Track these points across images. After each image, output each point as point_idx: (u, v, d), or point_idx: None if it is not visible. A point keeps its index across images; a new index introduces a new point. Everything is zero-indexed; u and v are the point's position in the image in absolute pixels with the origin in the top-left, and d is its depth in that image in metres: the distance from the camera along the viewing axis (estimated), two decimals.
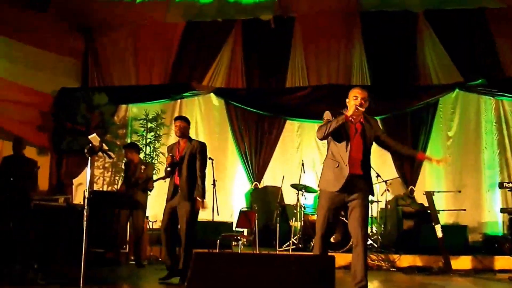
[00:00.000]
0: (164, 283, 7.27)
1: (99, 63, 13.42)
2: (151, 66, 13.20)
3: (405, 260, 9.49)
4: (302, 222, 10.18)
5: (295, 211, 10.38)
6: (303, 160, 10.95)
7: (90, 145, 5.68)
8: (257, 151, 12.17)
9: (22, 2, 11.32)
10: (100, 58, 13.42)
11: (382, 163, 11.20)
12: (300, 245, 10.01)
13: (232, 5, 12.65)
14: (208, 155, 8.60)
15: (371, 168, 5.88)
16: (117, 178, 12.32)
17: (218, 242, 8.92)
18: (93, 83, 13.35)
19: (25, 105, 11.55)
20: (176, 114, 11.66)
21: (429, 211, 9.63)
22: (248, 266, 4.48)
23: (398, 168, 11.58)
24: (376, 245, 10.12)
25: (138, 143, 11.27)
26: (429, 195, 9.49)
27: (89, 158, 5.68)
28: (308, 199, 10.66)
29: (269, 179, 12.18)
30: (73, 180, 12.21)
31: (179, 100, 12.69)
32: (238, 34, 12.92)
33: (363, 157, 5.52)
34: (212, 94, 12.57)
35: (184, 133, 7.51)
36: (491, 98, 11.69)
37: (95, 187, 12.10)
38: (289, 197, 11.07)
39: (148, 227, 10.41)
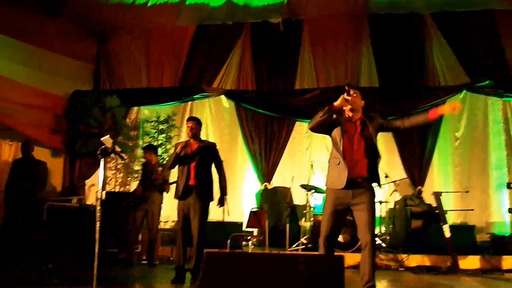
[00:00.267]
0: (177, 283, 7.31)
1: (111, 66, 13.57)
2: (162, 69, 13.31)
3: (413, 260, 9.48)
4: (312, 222, 10.16)
5: (304, 211, 10.40)
6: (312, 161, 11.03)
7: (103, 147, 5.72)
8: (267, 152, 12.25)
9: (36, 8, 11.47)
10: (112, 61, 13.57)
11: (390, 164, 11.33)
12: (309, 245, 10.02)
13: (241, 9, 12.72)
14: None
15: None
16: (129, 179, 12.43)
17: (228, 242, 8.97)
18: (105, 86, 13.48)
19: (39, 108, 11.68)
20: (187, 116, 11.62)
21: (437, 211, 9.60)
22: (258, 265, 4.50)
23: (406, 169, 11.65)
24: (384, 245, 10.15)
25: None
26: (437, 195, 9.51)
27: (102, 159, 5.70)
28: (317, 200, 10.58)
29: (278, 180, 12.24)
30: (86, 181, 12.38)
31: (189, 102, 12.81)
32: (248, 37, 13.04)
33: (366, 158, 5.51)
34: (222, 96, 12.70)
35: (196, 133, 7.55)
36: (499, 99, 11.70)
37: (108, 188, 12.16)
38: (299, 197, 11.11)
39: (159, 227, 10.51)
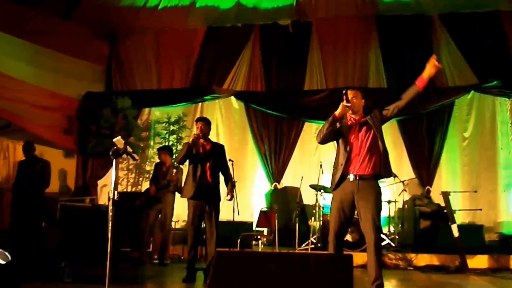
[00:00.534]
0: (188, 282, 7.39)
1: (122, 68, 13.66)
2: (173, 70, 13.38)
3: (422, 259, 9.51)
4: (321, 222, 10.22)
5: (314, 211, 10.44)
6: (321, 161, 10.98)
7: (115, 147, 5.68)
8: (277, 152, 12.30)
9: (49, 10, 11.60)
10: (124, 63, 13.66)
11: (399, 164, 11.34)
12: (319, 245, 10.06)
13: (251, 11, 12.78)
14: (229, 157, 8.82)
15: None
16: (141, 179, 12.52)
17: (238, 242, 9.06)
18: (117, 87, 13.57)
19: (51, 109, 11.78)
20: (197, 117, 11.79)
21: (445, 211, 9.58)
22: (268, 265, 4.53)
23: (415, 169, 11.66)
24: (393, 245, 10.16)
25: (160, 146, 11.53)
26: (446, 195, 9.50)
27: (114, 160, 5.68)
28: (326, 199, 10.57)
29: (288, 180, 12.26)
30: (98, 182, 12.47)
31: (200, 103, 12.86)
32: (257, 38, 13.08)
33: (372, 156, 5.56)
34: (232, 97, 12.76)
35: (206, 134, 7.60)
36: (506, 99, 11.68)
37: (120, 188, 12.24)
38: (308, 197, 11.09)
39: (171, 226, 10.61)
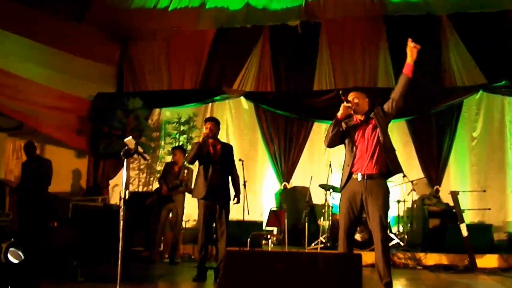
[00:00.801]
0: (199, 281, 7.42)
1: (133, 69, 13.75)
2: (183, 71, 13.45)
3: (431, 259, 9.53)
4: (330, 221, 10.24)
5: (323, 210, 10.49)
6: (330, 161, 11.06)
7: (126, 147, 5.70)
8: (286, 152, 12.31)
9: (61, 13, 11.70)
10: (135, 64, 13.75)
11: (408, 164, 11.28)
12: (328, 244, 10.11)
13: (260, 12, 12.89)
14: (239, 157, 8.87)
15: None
16: (152, 179, 12.56)
17: (248, 241, 9.15)
18: (128, 88, 13.67)
19: (63, 110, 11.86)
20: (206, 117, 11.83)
21: (454, 210, 9.58)
22: (278, 264, 4.52)
23: (424, 169, 11.65)
24: (402, 244, 10.20)
25: (171, 146, 11.62)
26: (454, 194, 9.49)
27: (125, 160, 5.71)
28: (335, 199, 10.59)
29: (297, 180, 12.29)
30: (110, 182, 12.54)
31: (210, 104, 12.90)
32: (266, 39, 13.14)
33: (379, 155, 5.56)
34: (242, 98, 12.77)
35: (215, 134, 7.62)
36: None
37: (131, 188, 12.35)
38: (317, 197, 11.15)
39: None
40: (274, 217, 9.85)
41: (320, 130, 12.19)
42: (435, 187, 11.52)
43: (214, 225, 7.65)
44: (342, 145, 5.89)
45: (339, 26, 12.90)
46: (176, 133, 12.48)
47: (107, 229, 9.14)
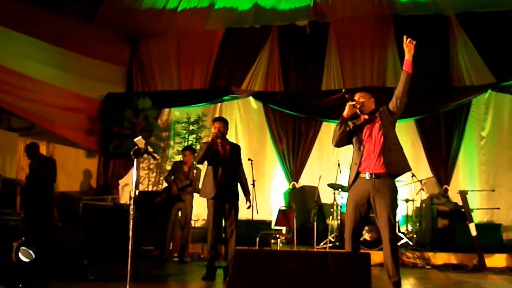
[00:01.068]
0: (208, 280, 7.40)
1: (143, 69, 13.83)
2: (192, 71, 13.53)
3: (440, 258, 9.49)
4: (339, 220, 10.25)
5: (331, 210, 10.48)
6: (339, 160, 11.02)
7: (136, 147, 5.75)
8: (295, 152, 12.34)
9: (72, 14, 11.78)
10: (144, 65, 13.83)
11: (417, 163, 11.32)
12: (337, 243, 10.11)
13: (269, 12, 12.96)
14: (248, 156, 8.86)
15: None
16: (161, 178, 12.54)
17: (257, 240, 9.11)
18: (138, 88, 13.75)
19: (74, 110, 11.96)
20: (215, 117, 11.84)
21: (463, 210, 9.56)
22: (286, 263, 4.61)
23: (432, 168, 11.66)
24: (411, 243, 10.20)
25: (180, 145, 11.66)
26: (463, 194, 9.45)
27: (135, 160, 5.75)
28: (344, 198, 10.50)
29: (306, 179, 12.30)
30: (120, 181, 12.60)
31: (219, 104, 12.94)
32: (275, 39, 13.20)
33: (385, 154, 5.56)
34: (250, 98, 12.83)
35: (224, 134, 7.59)
36: None
37: (141, 188, 12.42)
38: (326, 196, 11.14)
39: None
40: (283, 216, 9.81)
41: (329, 129, 12.19)
42: (444, 187, 11.53)
43: (223, 224, 7.67)
44: (351, 145, 5.92)
45: (347, 26, 12.93)
46: (185, 133, 12.54)
47: (117, 228, 9.19)
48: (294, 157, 12.36)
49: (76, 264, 7.14)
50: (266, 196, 12.29)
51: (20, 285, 5.97)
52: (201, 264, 8.52)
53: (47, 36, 11.29)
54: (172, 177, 9.97)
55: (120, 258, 7.29)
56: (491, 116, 11.82)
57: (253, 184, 10.17)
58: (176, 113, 13.24)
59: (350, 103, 5.67)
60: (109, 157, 12.55)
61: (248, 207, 7.95)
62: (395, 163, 5.61)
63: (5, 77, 10.32)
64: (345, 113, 5.70)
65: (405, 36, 5.71)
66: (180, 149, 11.11)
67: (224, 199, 7.42)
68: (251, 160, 9.40)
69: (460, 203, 9.90)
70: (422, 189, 10.88)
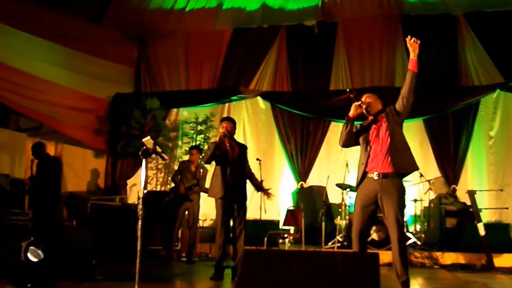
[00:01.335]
0: (216, 280, 7.40)
1: (151, 69, 13.84)
2: (201, 72, 13.54)
3: (448, 258, 9.51)
4: (347, 220, 10.27)
5: (340, 209, 10.50)
6: (347, 160, 11.01)
7: (144, 147, 5.71)
8: (303, 152, 12.34)
9: (80, 14, 11.83)
10: (152, 65, 13.84)
11: (425, 163, 11.32)
12: (345, 243, 10.11)
13: (277, 12, 12.98)
14: (256, 156, 8.85)
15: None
16: (169, 179, 12.55)
17: (265, 240, 9.18)
18: (146, 88, 13.77)
19: (82, 110, 11.99)
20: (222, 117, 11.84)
21: (471, 209, 9.57)
22: (295, 263, 4.56)
23: (441, 168, 11.65)
24: (419, 243, 10.20)
25: (188, 146, 11.67)
26: (472, 193, 9.46)
27: (143, 160, 5.71)
28: (352, 198, 10.52)
29: (314, 179, 12.31)
30: (128, 181, 12.62)
31: (227, 104, 12.96)
32: (283, 39, 13.18)
33: (392, 153, 5.55)
34: (258, 98, 12.84)
35: (231, 133, 7.60)
36: None
37: (149, 188, 12.42)
38: (334, 196, 11.08)
39: (198, 225, 10.71)
40: (291, 216, 9.87)
41: (337, 129, 12.10)
42: (452, 186, 11.49)
43: (231, 224, 7.68)
44: (357, 146, 5.93)
45: (355, 25, 12.93)
46: (193, 133, 12.54)
47: (125, 228, 9.24)
48: (302, 157, 12.37)
49: (84, 264, 7.12)
50: (274, 196, 12.08)
51: (29, 285, 5.98)
52: (209, 264, 8.54)
53: (55, 37, 11.34)
54: (179, 176, 10.00)
55: (128, 258, 7.31)
56: (500, 116, 11.79)
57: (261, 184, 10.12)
58: (184, 113, 13.26)
59: (356, 103, 5.73)
60: (117, 157, 12.55)
61: (268, 189, 7.97)
62: (402, 163, 5.61)
63: (13, 78, 10.36)
64: (351, 113, 5.76)
65: (409, 36, 5.69)
66: (188, 149, 11.11)
67: (232, 199, 7.43)
68: (259, 160, 9.42)
69: (469, 203, 9.89)
70: (430, 189, 10.89)
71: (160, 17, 13.17)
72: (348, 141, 5.88)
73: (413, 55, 5.69)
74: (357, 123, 5.93)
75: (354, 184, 10.56)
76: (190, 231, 9.89)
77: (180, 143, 13.00)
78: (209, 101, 12.86)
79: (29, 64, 10.85)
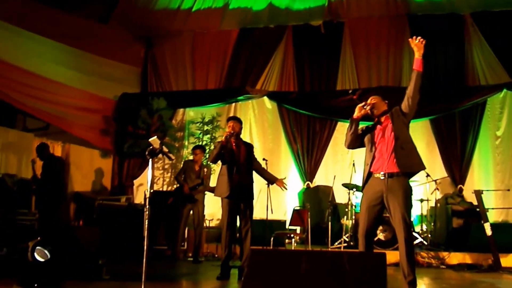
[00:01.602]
0: (222, 280, 7.39)
1: (158, 70, 13.89)
2: (207, 71, 13.58)
3: (455, 258, 9.48)
4: (353, 220, 10.25)
5: (346, 209, 10.48)
6: (354, 160, 11.01)
7: (151, 147, 5.72)
8: (309, 151, 12.36)
9: (87, 15, 11.87)
10: (159, 65, 13.89)
11: (431, 163, 11.32)
12: (351, 243, 10.11)
13: (283, 12, 12.99)
14: (262, 156, 8.85)
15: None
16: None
17: (272, 240, 9.17)
18: (152, 88, 13.82)
19: (89, 111, 12.06)
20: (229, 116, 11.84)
21: (478, 209, 9.52)
22: (301, 263, 4.55)
23: (447, 168, 11.65)
24: (426, 243, 10.20)
25: (194, 145, 11.69)
26: (478, 193, 9.41)
27: (150, 160, 5.72)
28: (359, 198, 10.48)
29: (321, 179, 12.33)
30: (134, 181, 12.65)
31: (233, 104, 12.99)
32: (290, 39, 13.22)
33: (397, 153, 5.52)
34: (265, 98, 12.86)
35: (238, 133, 7.58)
36: None
37: (155, 187, 12.43)
38: (341, 196, 11.10)
39: (204, 225, 10.74)
40: (297, 216, 9.86)
41: (344, 129, 11.98)
42: (459, 186, 11.50)
43: (237, 224, 7.69)
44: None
45: (362, 25, 12.95)
46: (200, 133, 12.55)
47: (132, 228, 9.27)
48: (309, 157, 12.39)
49: (91, 264, 7.15)
50: (281, 196, 12.18)
51: (36, 285, 6.00)
52: (216, 263, 8.57)
53: (62, 37, 11.39)
54: (183, 176, 10.01)
55: (134, 258, 7.32)
56: (506, 116, 11.77)
57: (268, 184, 10.12)
58: (191, 113, 13.29)
59: (360, 105, 5.74)
60: (124, 157, 12.59)
61: (283, 179, 8.01)
62: (408, 162, 5.60)
63: (21, 78, 10.42)
64: (355, 115, 5.77)
65: (413, 37, 5.72)
66: (192, 148, 11.12)
67: (239, 198, 7.43)
68: (266, 160, 9.42)
69: (475, 203, 9.85)
70: (437, 189, 10.87)
71: (166, 17, 13.19)
72: (353, 143, 5.90)
73: (417, 54, 5.70)
74: (363, 124, 5.92)
75: (360, 184, 10.56)
76: (195, 230, 9.89)
77: (186, 143, 13.01)
78: (216, 101, 12.89)
79: (36, 64, 10.91)
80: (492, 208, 10.52)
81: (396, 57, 12.62)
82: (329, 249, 9.78)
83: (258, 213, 9.21)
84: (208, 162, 9.69)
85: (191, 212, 9.93)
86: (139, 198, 12.31)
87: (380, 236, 9.58)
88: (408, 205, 5.57)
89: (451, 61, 12.23)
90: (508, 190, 10.94)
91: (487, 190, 10.41)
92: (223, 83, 13.42)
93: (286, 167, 12.65)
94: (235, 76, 13.38)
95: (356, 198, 10.65)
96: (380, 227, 9.45)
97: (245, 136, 7.94)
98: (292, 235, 9.28)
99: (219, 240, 9.33)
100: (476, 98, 11.57)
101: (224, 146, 7.40)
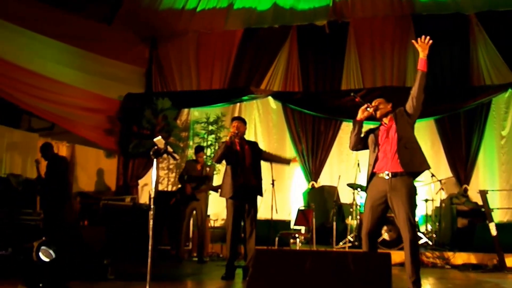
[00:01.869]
0: (227, 280, 7.36)
1: (162, 70, 13.93)
2: (211, 72, 13.60)
3: (460, 258, 9.46)
4: (358, 220, 10.24)
5: (351, 209, 10.48)
6: (358, 160, 10.99)
7: (156, 147, 5.70)
8: (314, 151, 12.37)
9: (92, 15, 11.89)
10: (163, 65, 13.93)
11: (436, 163, 11.33)
12: (356, 243, 10.09)
13: (288, 12, 13.01)
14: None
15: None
16: None
17: (276, 240, 9.15)
18: (157, 88, 13.86)
19: (94, 111, 12.09)
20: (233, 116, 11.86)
21: (483, 209, 9.51)
22: (306, 263, 4.55)
23: (452, 168, 11.64)
24: (431, 243, 10.16)
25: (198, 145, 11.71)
26: (483, 193, 9.35)
27: (155, 159, 5.71)
28: (363, 198, 10.27)
29: (325, 179, 12.33)
30: (139, 181, 12.69)
31: (238, 104, 13.01)
32: (294, 39, 13.24)
33: (401, 153, 5.53)
34: (269, 98, 12.87)
35: (242, 133, 7.56)
36: None
37: (160, 187, 12.43)
38: (345, 196, 11.14)
39: (209, 225, 10.71)
40: (302, 216, 9.84)
41: (349, 129, 11.89)
42: (464, 186, 11.50)
43: (242, 224, 7.69)
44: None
45: (367, 25, 12.97)
46: (205, 133, 12.58)
47: (137, 228, 9.27)
48: (313, 156, 12.40)
49: (96, 264, 7.15)
50: (286, 196, 12.31)
51: (41, 285, 6.01)
52: (221, 263, 8.58)
53: (67, 38, 11.42)
54: (185, 176, 10.02)
55: (139, 258, 7.33)
56: None
57: (273, 184, 10.02)
58: (195, 113, 13.31)
59: (363, 107, 5.74)
60: (129, 157, 12.64)
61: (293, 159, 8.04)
62: (412, 161, 5.59)
63: (25, 79, 10.45)
64: (358, 117, 5.79)
65: (419, 38, 5.69)
66: (194, 148, 11.13)
67: (243, 198, 7.41)
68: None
69: (480, 203, 9.84)
70: (442, 188, 10.84)
71: (171, 17, 13.23)
72: (357, 144, 5.93)
73: (422, 55, 5.69)
74: (368, 123, 5.92)
75: (365, 184, 10.57)
76: (198, 230, 9.89)
77: (191, 143, 13.01)
78: (220, 101, 12.92)
79: (40, 65, 10.93)
80: (497, 208, 10.51)
81: (401, 57, 12.61)
82: (334, 249, 9.80)
83: (263, 213, 9.22)
84: (213, 162, 9.67)
85: (194, 211, 9.94)
86: (144, 198, 12.33)
87: (385, 236, 9.59)
88: (412, 205, 5.55)
89: (456, 61, 12.23)
90: None
91: (492, 190, 10.42)
92: (227, 83, 13.45)
93: (291, 167, 12.48)
94: (239, 76, 13.41)
95: (361, 198, 10.59)
96: (385, 227, 9.47)
97: (249, 136, 7.94)
98: (296, 235, 9.28)
99: (224, 240, 9.37)
100: (481, 98, 11.56)
101: (228, 147, 7.39)
